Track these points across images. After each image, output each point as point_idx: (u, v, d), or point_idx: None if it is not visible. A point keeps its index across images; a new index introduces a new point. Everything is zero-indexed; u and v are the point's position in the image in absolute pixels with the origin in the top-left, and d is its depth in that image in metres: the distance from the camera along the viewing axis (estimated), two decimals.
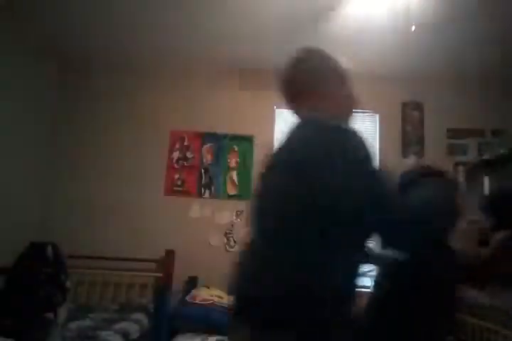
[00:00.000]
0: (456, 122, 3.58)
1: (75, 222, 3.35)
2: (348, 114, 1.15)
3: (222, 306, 2.82)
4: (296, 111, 1.15)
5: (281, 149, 1.06)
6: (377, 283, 1.39)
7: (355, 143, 0.95)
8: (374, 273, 1.41)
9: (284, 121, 3.63)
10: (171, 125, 3.60)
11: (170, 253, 3.20)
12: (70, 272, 1.85)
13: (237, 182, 3.50)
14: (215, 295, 2.96)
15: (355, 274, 0.98)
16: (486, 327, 2.54)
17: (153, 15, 2.87)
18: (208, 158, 3.56)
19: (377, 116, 3.63)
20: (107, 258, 3.07)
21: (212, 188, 3.50)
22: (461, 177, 3.46)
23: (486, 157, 3.20)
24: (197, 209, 3.45)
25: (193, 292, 3.00)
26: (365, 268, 1.22)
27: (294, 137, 1.04)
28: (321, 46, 1.17)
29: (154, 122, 3.60)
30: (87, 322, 2.50)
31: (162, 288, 2.82)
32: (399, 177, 1.26)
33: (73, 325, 2.39)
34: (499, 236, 1.33)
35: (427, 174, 1.27)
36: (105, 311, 2.80)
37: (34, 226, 3.13)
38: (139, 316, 2.71)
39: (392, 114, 3.62)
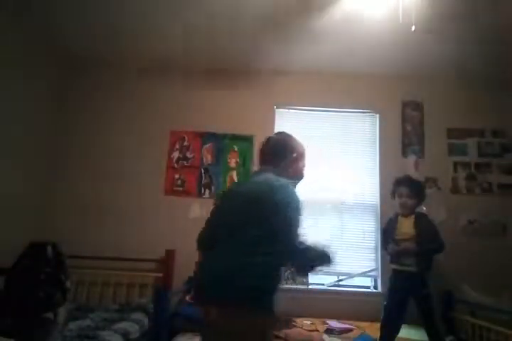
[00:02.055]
0: (456, 122, 3.58)
1: (75, 221, 3.35)
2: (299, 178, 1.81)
3: None
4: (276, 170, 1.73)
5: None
6: None
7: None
8: None
9: (283, 121, 3.63)
10: (171, 125, 3.60)
11: (170, 253, 3.21)
12: (70, 272, 1.84)
13: None
14: None
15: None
16: (486, 327, 2.54)
17: (153, 16, 2.88)
18: (207, 158, 3.56)
19: (377, 116, 3.63)
20: (107, 258, 3.07)
21: (213, 188, 3.50)
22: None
23: None
24: (197, 209, 3.45)
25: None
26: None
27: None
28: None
29: (154, 122, 3.60)
30: (87, 322, 2.51)
31: (162, 288, 2.82)
32: None
33: (73, 325, 2.39)
34: None
35: None
36: (105, 311, 2.80)
37: (34, 226, 3.13)
38: (139, 316, 2.71)
39: (392, 113, 3.62)
